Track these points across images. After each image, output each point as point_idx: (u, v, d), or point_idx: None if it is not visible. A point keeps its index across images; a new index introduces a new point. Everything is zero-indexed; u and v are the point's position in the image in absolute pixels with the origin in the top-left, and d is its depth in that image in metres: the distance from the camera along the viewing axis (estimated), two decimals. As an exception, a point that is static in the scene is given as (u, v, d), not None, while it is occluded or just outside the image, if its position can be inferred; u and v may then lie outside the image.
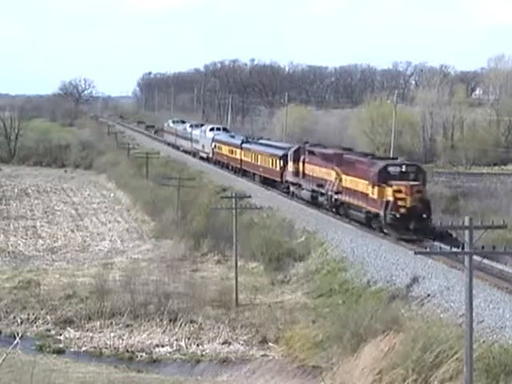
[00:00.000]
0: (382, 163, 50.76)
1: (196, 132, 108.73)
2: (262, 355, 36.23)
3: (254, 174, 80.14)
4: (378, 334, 31.09)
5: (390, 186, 48.45)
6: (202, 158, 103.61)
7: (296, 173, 65.20)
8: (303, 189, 63.94)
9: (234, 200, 46.85)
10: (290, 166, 66.81)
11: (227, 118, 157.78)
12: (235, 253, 45.68)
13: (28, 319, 41.62)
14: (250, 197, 57.27)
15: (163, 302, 41.99)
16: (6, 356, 21.98)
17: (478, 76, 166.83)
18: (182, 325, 40.18)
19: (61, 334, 40.04)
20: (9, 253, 58.05)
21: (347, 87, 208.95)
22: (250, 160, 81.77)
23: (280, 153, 71.51)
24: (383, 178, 48.98)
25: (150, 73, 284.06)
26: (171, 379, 34.04)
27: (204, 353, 37.36)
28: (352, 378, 28.42)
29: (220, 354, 36.97)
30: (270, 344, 37.88)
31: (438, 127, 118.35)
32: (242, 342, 38.33)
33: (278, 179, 72.01)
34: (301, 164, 64.24)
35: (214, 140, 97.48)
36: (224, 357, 36.57)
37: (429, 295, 38.47)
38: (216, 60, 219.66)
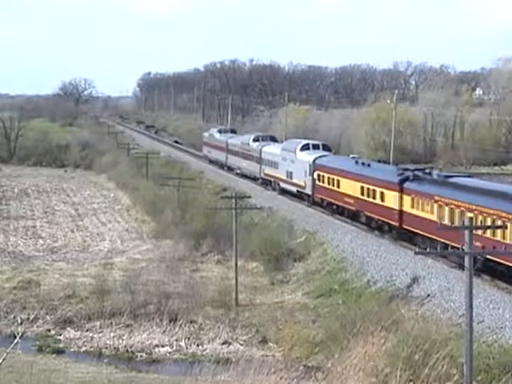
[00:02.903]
0: None
1: (272, 150, 75.81)
2: (262, 355, 36.22)
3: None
4: (376, 333, 31.07)
5: None
6: (284, 192, 71.11)
7: None
8: None
9: (233, 200, 46.86)
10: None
11: (227, 118, 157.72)
12: (235, 253, 45.67)
13: (28, 319, 41.59)
14: (249, 197, 57.28)
15: (163, 302, 41.99)
16: (6, 356, 21.97)
17: (478, 76, 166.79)
18: (182, 325, 40.16)
19: (61, 334, 40.03)
20: (9, 253, 58.02)
21: (347, 87, 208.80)
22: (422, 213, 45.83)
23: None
24: None
25: (149, 73, 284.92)
26: (171, 379, 34.01)
27: (204, 353, 37.34)
28: (347, 378, 28.42)
29: (220, 354, 36.94)
30: (270, 344, 37.87)
31: (439, 127, 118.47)
32: (241, 342, 38.32)
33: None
34: None
35: (314, 166, 62.76)
36: (224, 357, 36.52)
37: (429, 295, 38.48)
38: (216, 60, 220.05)
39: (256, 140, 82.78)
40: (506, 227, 34.03)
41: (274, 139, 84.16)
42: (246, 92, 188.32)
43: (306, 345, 36.12)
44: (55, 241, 62.61)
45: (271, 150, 75.84)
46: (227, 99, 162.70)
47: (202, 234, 57.86)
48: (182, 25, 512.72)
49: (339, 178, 56.67)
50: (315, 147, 67.54)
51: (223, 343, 38.34)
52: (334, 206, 58.51)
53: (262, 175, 76.95)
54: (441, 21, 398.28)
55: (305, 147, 67.33)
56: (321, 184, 60.39)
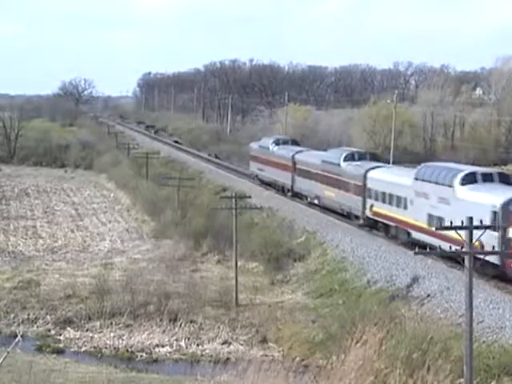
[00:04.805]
0: None
1: (390, 178, 50.95)
2: (262, 355, 36.23)
3: None
4: (375, 333, 31.08)
5: None
6: (420, 247, 41.43)
7: None
8: None
9: (233, 200, 46.86)
10: None
11: (227, 118, 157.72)
12: (235, 253, 45.68)
13: (28, 319, 41.60)
14: (249, 197, 57.26)
15: (163, 302, 42.00)
16: (6, 356, 21.97)
17: (478, 76, 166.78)
18: (182, 325, 40.17)
19: (61, 334, 40.03)
20: (9, 253, 58.01)
21: (347, 87, 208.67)
22: None
23: None
24: None
25: (149, 73, 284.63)
26: (171, 379, 34.02)
27: (204, 353, 37.35)
28: (347, 377, 28.43)
29: (220, 354, 36.95)
30: (270, 344, 37.88)
31: (439, 127, 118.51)
32: (241, 342, 38.33)
33: None
34: None
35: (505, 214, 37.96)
36: (224, 357, 36.55)
37: (429, 295, 38.50)
38: (216, 60, 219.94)
39: (350, 159, 58.25)
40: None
41: (375, 158, 59.83)
42: (246, 92, 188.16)
43: (305, 345, 36.15)
44: (55, 241, 62.60)
45: (388, 177, 51.20)
46: (227, 99, 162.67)
47: (202, 233, 57.87)
48: (182, 25, 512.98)
49: None
50: (490, 178, 43.17)
51: (223, 343, 38.36)
52: None
53: (368, 214, 52.96)
54: (441, 21, 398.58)
55: (472, 179, 42.68)
56: None
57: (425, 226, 44.09)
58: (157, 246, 59.31)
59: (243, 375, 28.78)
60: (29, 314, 42.09)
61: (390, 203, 49.44)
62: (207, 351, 37.47)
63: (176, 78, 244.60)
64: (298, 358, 34.74)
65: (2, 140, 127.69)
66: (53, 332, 40.36)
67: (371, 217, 52.60)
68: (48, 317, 41.87)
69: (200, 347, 37.96)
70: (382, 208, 50.89)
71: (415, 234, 46.21)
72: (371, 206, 52.32)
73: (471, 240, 23.24)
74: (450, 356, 28.27)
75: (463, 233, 23.32)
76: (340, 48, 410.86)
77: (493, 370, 27.98)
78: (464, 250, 23.55)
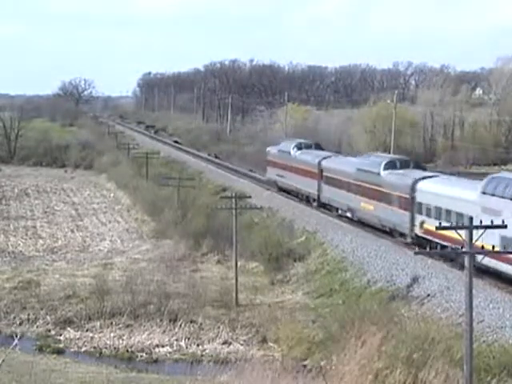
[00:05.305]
0: None
1: (446, 191, 43.77)
2: (262, 355, 36.22)
3: None
4: (375, 333, 31.09)
5: None
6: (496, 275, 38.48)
7: None
8: None
9: (233, 200, 46.84)
10: None
11: (227, 118, 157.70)
12: (235, 253, 45.66)
13: (28, 319, 41.61)
14: (249, 197, 57.24)
15: (163, 302, 41.97)
16: (6, 356, 21.95)
17: (478, 76, 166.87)
18: (182, 325, 40.15)
19: (61, 334, 40.03)
20: (9, 253, 58.01)
21: (347, 87, 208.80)
22: None
23: None
24: None
25: (149, 73, 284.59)
26: (171, 379, 34.02)
27: (204, 353, 37.35)
28: (347, 378, 28.44)
29: (220, 354, 36.95)
30: (270, 344, 37.86)
31: (439, 127, 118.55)
32: (242, 342, 38.32)
33: None
34: None
35: None
36: (224, 357, 36.54)
37: (429, 295, 38.49)
38: (216, 60, 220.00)
39: (391, 167, 51.44)
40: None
41: (419, 166, 53.64)
42: (245, 92, 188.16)
43: (305, 345, 36.11)
44: (55, 241, 62.59)
45: (445, 190, 44.07)
46: (227, 99, 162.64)
47: (202, 233, 57.85)
48: (182, 25, 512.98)
49: None
50: None
51: (223, 343, 38.35)
52: None
53: (418, 231, 45.72)
54: (441, 21, 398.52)
55: None
56: None
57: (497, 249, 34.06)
58: (157, 246, 59.29)
59: (243, 375, 28.79)
60: (29, 314, 42.10)
61: (448, 220, 40.59)
62: (207, 351, 37.46)
63: (176, 77, 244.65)
64: (297, 358, 34.74)
65: (2, 140, 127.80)
66: (53, 332, 40.37)
67: (421, 235, 45.12)
68: (48, 317, 41.86)
69: (200, 347, 37.95)
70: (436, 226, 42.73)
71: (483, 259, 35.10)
72: (422, 222, 44.98)
73: (471, 240, 23.23)
74: (450, 356, 28.25)
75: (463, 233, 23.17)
76: (340, 48, 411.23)
77: (493, 369, 27.97)
78: (464, 249, 23.55)
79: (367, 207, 52.72)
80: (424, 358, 28.44)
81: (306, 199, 65.75)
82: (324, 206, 61.63)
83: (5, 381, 29.89)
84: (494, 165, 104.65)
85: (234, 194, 49.59)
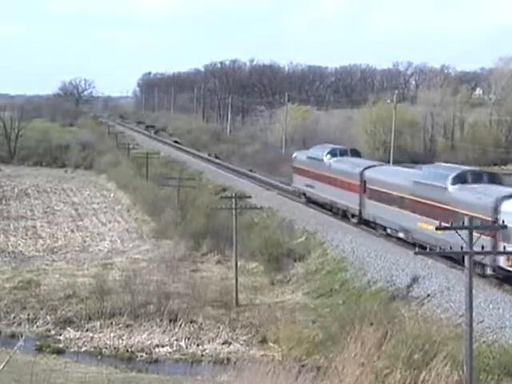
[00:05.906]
0: None
1: None
2: (262, 355, 36.22)
3: None
4: (376, 333, 31.12)
5: None
6: None
7: None
8: None
9: (233, 200, 46.84)
10: None
11: (227, 119, 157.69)
12: (235, 253, 45.66)
13: (28, 319, 41.59)
14: (249, 197, 57.23)
15: (163, 302, 41.97)
16: (10, 358, 21.92)
17: (478, 76, 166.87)
18: (182, 325, 40.15)
19: (61, 334, 40.02)
20: (9, 253, 58.00)
21: (347, 87, 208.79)
22: None
23: None
24: None
25: (149, 73, 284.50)
26: (171, 379, 34.03)
27: (204, 353, 37.34)
28: (347, 378, 28.46)
29: (220, 354, 36.95)
30: (270, 344, 37.86)
31: (439, 127, 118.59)
32: (242, 342, 38.31)
33: None
34: None
35: None
36: (224, 357, 36.55)
37: (429, 295, 38.49)
38: (216, 60, 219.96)
39: (461, 181, 43.36)
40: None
41: (494, 178, 44.34)
42: (245, 92, 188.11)
43: (305, 345, 36.11)
44: (55, 241, 62.58)
45: None
46: (227, 99, 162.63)
47: (202, 233, 57.85)
48: (182, 25, 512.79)
49: None
50: None
51: (223, 343, 38.34)
52: None
53: (505, 264, 37.19)
54: (441, 21, 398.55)
55: None
56: None
57: None
58: (157, 246, 59.29)
59: (243, 375, 28.79)
60: (29, 314, 42.08)
61: None
62: (207, 351, 37.45)
63: (176, 78, 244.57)
64: (297, 358, 34.73)
65: (2, 140, 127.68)
66: (53, 332, 40.35)
67: (509, 269, 36.96)
68: (48, 317, 41.86)
69: (200, 347, 37.95)
70: None
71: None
72: None
73: (471, 240, 23.24)
74: (450, 356, 28.26)
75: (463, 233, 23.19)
76: (340, 48, 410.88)
77: (493, 370, 27.98)
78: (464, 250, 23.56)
79: (427, 228, 43.47)
80: (424, 359, 28.45)
81: (343, 214, 57.49)
82: (367, 224, 53.49)
83: (5, 381, 29.89)
84: (494, 165, 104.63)
85: (234, 194, 49.60)
